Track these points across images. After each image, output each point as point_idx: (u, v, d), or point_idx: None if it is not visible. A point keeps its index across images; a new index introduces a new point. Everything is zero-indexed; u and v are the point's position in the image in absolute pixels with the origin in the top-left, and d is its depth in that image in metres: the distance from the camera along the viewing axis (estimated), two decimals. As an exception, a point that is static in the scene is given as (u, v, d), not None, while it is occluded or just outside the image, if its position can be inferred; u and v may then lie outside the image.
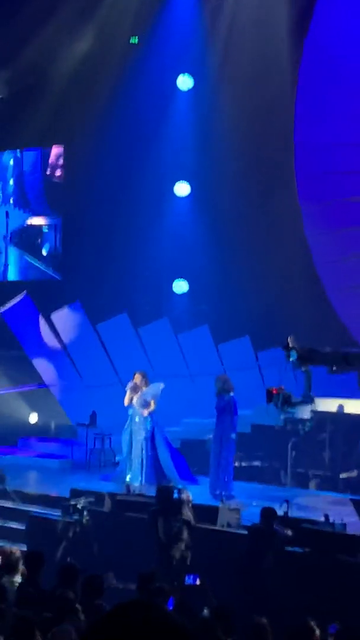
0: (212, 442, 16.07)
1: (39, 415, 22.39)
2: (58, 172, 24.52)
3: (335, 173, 20.45)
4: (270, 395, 9.21)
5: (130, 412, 16.88)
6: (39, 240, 24.82)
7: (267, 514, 12.41)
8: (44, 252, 24.71)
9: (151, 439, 16.60)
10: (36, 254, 24.76)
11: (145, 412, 16.60)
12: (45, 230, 24.80)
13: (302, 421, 15.38)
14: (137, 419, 16.73)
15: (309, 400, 9.02)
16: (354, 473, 17.78)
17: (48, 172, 24.51)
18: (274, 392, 9.29)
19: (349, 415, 18.52)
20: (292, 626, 7.69)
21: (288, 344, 8.89)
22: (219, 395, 16.02)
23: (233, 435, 16.11)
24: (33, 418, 22.40)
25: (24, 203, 24.84)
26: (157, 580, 9.80)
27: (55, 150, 24.48)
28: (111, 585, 10.14)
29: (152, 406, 16.65)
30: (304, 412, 14.69)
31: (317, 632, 7.73)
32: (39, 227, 24.86)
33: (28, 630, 7.21)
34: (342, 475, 17.88)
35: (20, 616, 7.72)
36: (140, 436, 16.61)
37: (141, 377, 16.82)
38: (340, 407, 18.56)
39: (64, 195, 24.15)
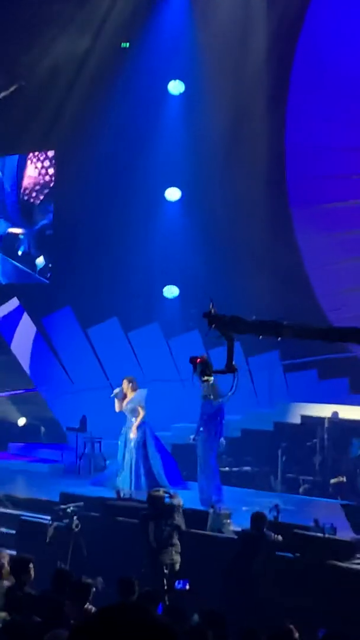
0: (199, 448, 15.98)
1: (29, 420, 22.35)
2: (33, 181, 24.43)
3: (326, 177, 20.48)
4: (194, 364, 9.05)
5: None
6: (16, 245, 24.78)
7: (257, 518, 12.38)
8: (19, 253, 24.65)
9: (143, 445, 16.57)
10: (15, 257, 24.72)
11: (136, 421, 16.57)
12: (21, 237, 24.74)
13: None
14: (127, 424, 16.72)
15: (231, 370, 8.84)
16: (343, 478, 17.78)
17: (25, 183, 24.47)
18: (198, 360, 9.15)
19: (339, 420, 18.54)
20: (271, 628, 7.69)
21: (210, 311, 8.65)
22: (208, 400, 15.92)
23: (222, 441, 16.03)
24: (21, 421, 22.36)
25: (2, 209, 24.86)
26: (143, 585, 9.78)
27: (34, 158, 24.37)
28: (100, 589, 10.11)
29: (141, 412, 16.60)
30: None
31: (296, 635, 7.72)
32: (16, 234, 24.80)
33: (18, 635, 7.18)
34: (332, 481, 17.88)
35: (10, 620, 7.69)
36: (132, 442, 16.59)
37: (127, 383, 16.76)
38: (333, 413, 18.59)
39: (55, 200, 24.12)
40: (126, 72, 22.30)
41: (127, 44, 22.65)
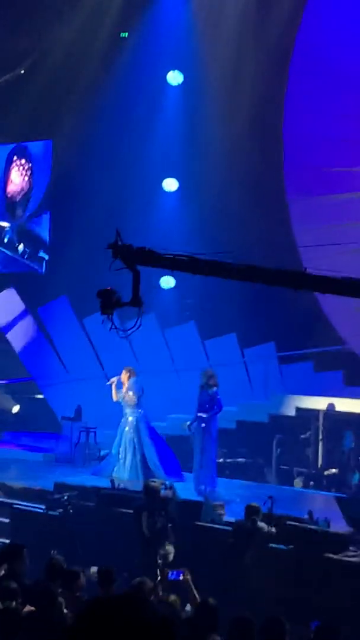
0: (195, 438, 16.02)
1: (23, 409, 22.34)
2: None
3: (324, 169, 20.45)
4: (100, 296, 8.80)
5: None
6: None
7: (251, 510, 12.39)
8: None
9: (137, 434, 16.59)
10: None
11: (129, 409, 16.62)
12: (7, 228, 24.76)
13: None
14: (125, 414, 16.77)
15: (136, 303, 8.64)
16: (336, 471, 17.81)
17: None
18: (104, 292, 8.90)
19: (333, 413, 18.56)
20: (262, 620, 7.70)
21: (116, 241, 8.37)
22: (202, 389, 15.96)
23: (215, 431, 16.03)
24: (15, 409, 22.34)
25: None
26: (137, 576, 9.79)
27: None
28: (93, 579, 10.11)
29: (132, 400, 16.57)
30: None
31: (287, 626, 7.73)
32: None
33: (12, 623, 7.19)
34: (326, 473, 17.90)
35: (3, 609, 7.69)
36: (128, 432, 16.63)
37: (125, 373, 16.80)
38: (328, 405, 18.60)
39: (53, 189, 24.08)
40: (125, 61, 22.24)
41: (127, 34, 22.60)
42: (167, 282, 22.91)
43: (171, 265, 8.23)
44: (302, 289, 7.76)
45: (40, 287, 22.96)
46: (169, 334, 22.11)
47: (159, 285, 22.92)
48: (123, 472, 16.40)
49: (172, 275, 22.78)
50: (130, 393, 16.60)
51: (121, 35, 22.59)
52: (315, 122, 20.63)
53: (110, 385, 16.78)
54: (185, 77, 22.71)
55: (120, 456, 16.59)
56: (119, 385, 16.72)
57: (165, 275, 22.88)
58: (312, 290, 7.43)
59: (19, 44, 22.52)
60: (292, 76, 21.12)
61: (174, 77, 22.79)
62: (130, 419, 16.68)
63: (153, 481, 13.70)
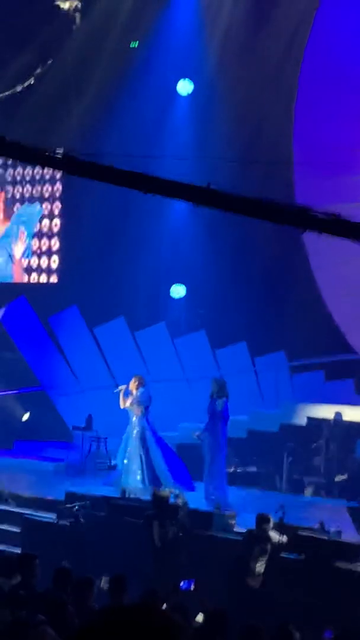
0: (204, 448, 16.00)
1: (34, 418, 22.33)
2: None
3: (335, 177, 20.45)
4: None
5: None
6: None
7: (262, 520, 12.37)
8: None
9: (143, 444, 16.54)
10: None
11: (134, 418, 16.61)
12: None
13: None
14: (132, 423, 16.74)
15: None
16: (345, 477, 17.75)
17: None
18: None
19: (344, 422, 18.51)
20: (271, 630, 7.70)
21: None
22: (212, 398, 15.94)
23: (223, 441, 15.99)
24: (25, 416, 22.34)
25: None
26: (148, 585, 9.78)
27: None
28: (104, 588, 10.11)
29: (138, 409, 16.55)
30: None
31: (297, 635, 7.73)
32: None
33: (21, 632, 7.19)
34: (336, 479, 17.85)
35: (14, 618, 7.69)
36: (134, 440, 16.62)
37: (134, 381, 16.78)
38: (338, 414, 18.55)
39: (62, 200, 24.12)
40: (135, 71, 22.27)
41: (137, 43, 22.63)
42: (178, 291, 22.93)
43: (24, 156, 7.00)
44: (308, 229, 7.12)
45: (51, 297, 23.00)
46: (179, 343, 22.12)
47: (169, 294, 22.95)
48: (130, 481, 16.36)
49: (183, 284, 22.85)
50: (138, 402, 16.60)
51: (131, 45, 22.62)
52: (326, 131, 20.63)
53: (119, 392, 16.79)
54: (195, 87, 22.73)
55: (127, 465, 16.55)
56: (127, 393, 16.72)
57: (175, 283, 22.91)
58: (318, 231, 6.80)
59: (28, 54, 22.57)
60: (302, 85, 21.14)
61: (184, 87, 22.81)
62: (136, 427, 16.65)
63: (162, 490, 13.69)
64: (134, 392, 16.67)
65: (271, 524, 12.37)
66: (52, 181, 24.47)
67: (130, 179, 6.98)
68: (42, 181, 24.59)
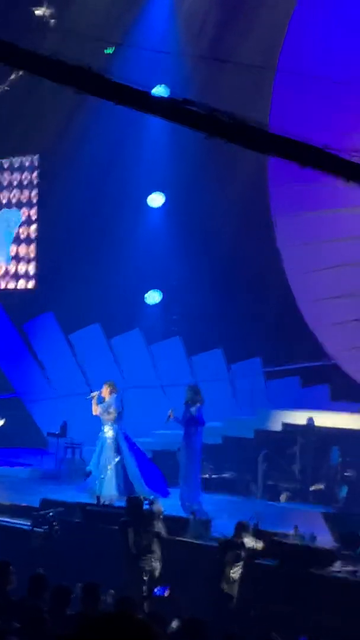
0: (181, 454, 16.00)
1: (9, 425, 22.22)
2: None
3: (309, 185, 20.48)
4: None
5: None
6: None
7: (239, 526, 12.37)
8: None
9: (116, 450, 16.47)
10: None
11: (107, 424, 16.54)
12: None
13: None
14: (103, 430, 16.65)
15: None
16: (321, 485, 17.79)
17: None
18: None
19: (319, 428, 18.53)
20: (252, 638, 7.69)
21: None
22: (186, 405, 15.93)
23: (198, 447, 15.99)
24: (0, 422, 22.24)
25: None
26: (123, 592, 9.76)
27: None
28: (80, 595, 10.06)
29: (111, 415, 16.49)
30: None
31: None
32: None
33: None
34: (312, 488, 17.88)
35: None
36: (108, 447, 16.55)
37: (106, 387, 16.71)
38: (310, 419, 18.56)
39: (40, 205, 24.05)
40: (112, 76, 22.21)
41: (112, 50, 22.60)
42: (153, 297, 22.93)
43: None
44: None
45: (27, 304, 22.93)
46: (154, 349, 22.11)
47: (145, 300, 22.93)
48: (104, 487, 16.28)
49: (158, 290, 22.84)
50: (111, 409, 16.52)
51: (105, 51, 22.58)
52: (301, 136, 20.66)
53: (91, 399, 16.71)
54: (170, 92, 22.70)
55: (101, 472, 16.48)
56: (100, 399, 16.65)
57: (150, 290, 22.90)
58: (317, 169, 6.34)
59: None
60: (276, 94, 21.18)
61: (159, 93, 22.79)
62: (109, 434, 16.55)
63: (135, 497, 13.66)
64: (107, 398, 16.61)
65: (247, 531, 12.37)
66: (30, 187, 24.38)
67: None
68: (20, 187, 24.50)
